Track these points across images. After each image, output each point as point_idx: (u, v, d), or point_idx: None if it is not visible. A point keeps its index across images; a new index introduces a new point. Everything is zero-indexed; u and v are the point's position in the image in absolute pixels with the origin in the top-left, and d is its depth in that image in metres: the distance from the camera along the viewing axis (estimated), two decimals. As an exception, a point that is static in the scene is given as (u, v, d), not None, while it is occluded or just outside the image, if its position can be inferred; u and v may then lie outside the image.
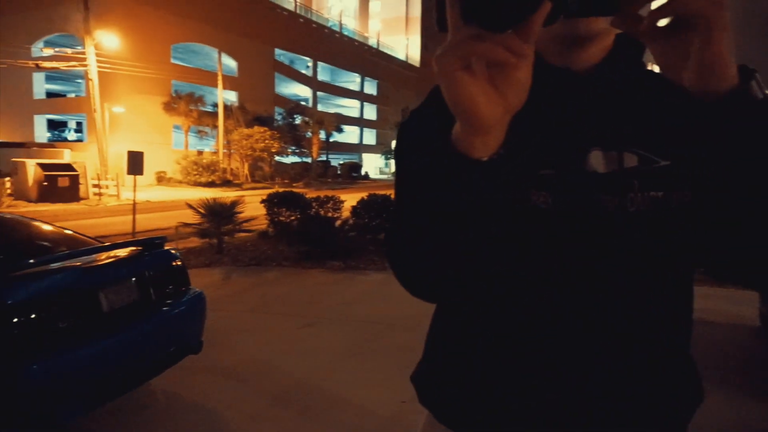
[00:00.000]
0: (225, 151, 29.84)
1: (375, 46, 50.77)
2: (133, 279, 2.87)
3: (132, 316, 2.78)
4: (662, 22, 0.52)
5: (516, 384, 0.70)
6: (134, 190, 9.71)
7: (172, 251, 3.35)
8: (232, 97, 32.16)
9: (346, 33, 47.79)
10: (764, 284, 0.66)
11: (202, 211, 7.83)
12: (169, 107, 27.83)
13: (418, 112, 0.75)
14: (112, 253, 3.02)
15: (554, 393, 0.68)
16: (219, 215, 7.83)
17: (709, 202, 0.60)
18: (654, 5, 0.50)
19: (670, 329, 0.71)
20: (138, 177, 9.03)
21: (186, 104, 28.10)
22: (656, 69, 0.60)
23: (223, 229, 7.87)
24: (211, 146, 31.19)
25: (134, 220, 9.32)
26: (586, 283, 0.67)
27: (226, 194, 14.07)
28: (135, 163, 8.63)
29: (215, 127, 29.45)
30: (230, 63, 33.09)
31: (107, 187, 19.83)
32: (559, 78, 0.68)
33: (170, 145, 29.00)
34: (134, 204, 9.72)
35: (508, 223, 0.59)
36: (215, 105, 29.54)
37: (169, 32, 28.79)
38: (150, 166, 15.19)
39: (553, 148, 0.68)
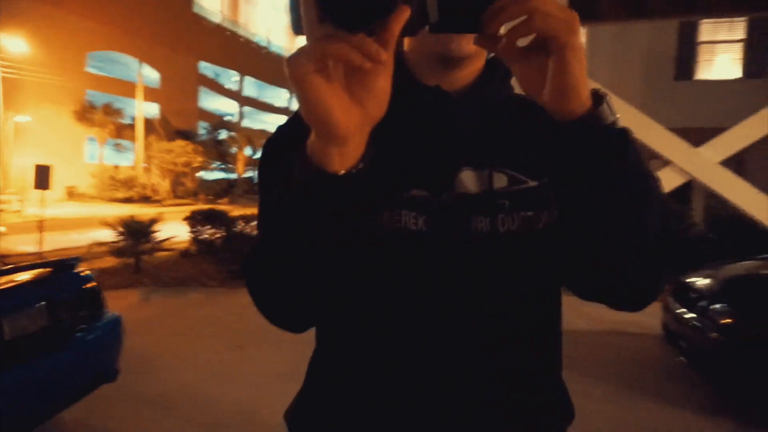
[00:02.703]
0: (145, 165, 28.44)
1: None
2: (42, 303, 2.65)
3: (40, 345, 2.56)
4: (521, 42, 0.53)
5: (387, 413, 0.67)
6: (41, 206, 9.01)
7: (85, 273, 3.13)
8: (153, 109, 30.81)
9: (274, 49, 47.40)
10: (620, 303, 0.67)
11: (118, 228, 7.40)
12: (83, 118, 26.17)
13: (285, 126, 0.72)
14: (18, 276, 2.79)
15: (424, 420, 0.66)
16: (137, 233, 7.43)
17: (570, 221, 0.60)
18: (513, 25, 0.51)
19: (539, 348, 0.71)
20: (47, 192, 8.41)
21: (103, 115, 26.58)
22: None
23: (142, 248, 7.47)
24: (129, 160, 29.63)
25: (41, 238, 8.64)
26: (457, 305, 0.65)
27: (145, 211, 13.39)
28: (42, 177, 8.06)
29: (134, 140, 28.05)
30: (152, 74, 31.78)
31: (10, 202, 18.28)
32: (430, 97, 0.68)
33: (83, 158, 27.26)
34: (41, 221, 9.01)
35: (376, 244, 0.57)
36: (135, 117, 28.17)
37: (85, 39, 27.22)
38: (60, 179, 14.20)
39: (423, 167, 0.66)
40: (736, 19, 10.06)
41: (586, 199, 0.57)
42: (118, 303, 5.36)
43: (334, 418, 0.71)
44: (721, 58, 10.96)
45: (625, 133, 0.56)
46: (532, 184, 0.67)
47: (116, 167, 28.06)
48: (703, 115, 8.92)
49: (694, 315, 3.40)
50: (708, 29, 10.66)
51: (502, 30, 0.52)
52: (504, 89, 0.73)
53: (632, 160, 0.56)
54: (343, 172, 0.52)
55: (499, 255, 0.66)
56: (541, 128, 0.61)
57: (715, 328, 3.19)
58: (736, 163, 11.24)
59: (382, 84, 0.49)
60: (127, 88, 29.32)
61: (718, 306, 3.28)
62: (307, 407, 0.75)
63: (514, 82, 0.71)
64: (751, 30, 10.33)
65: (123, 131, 27.78)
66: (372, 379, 0.68)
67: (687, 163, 5.76)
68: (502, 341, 0.67)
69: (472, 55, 0.67)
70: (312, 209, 0.53)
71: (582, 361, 3.79)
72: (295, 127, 0.65)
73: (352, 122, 0.49)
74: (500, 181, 0.67)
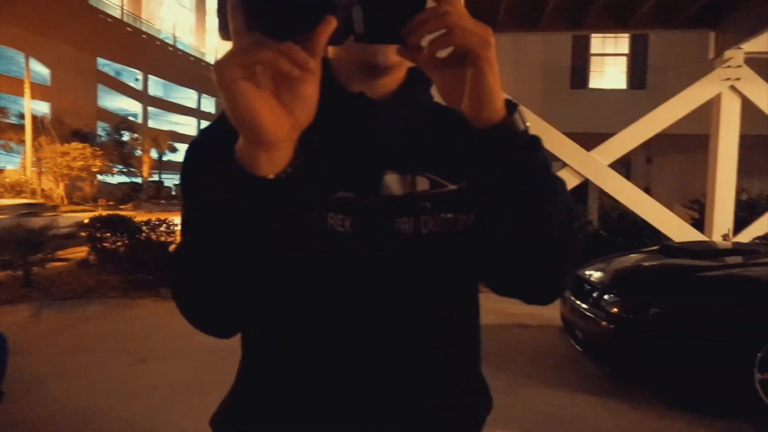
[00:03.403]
0: (35, 169, 26.10)
1: (213, 62, 48.78)
2: None
3: None
4: (441, 54, 0.56)
5: (316, 409, 0.69)
6: None
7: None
8: (44, 108, 28.35)
9: (180, 47, 45.30)
10: (532, 297, 0.71)
11: (3, 237, 6.73)
12: (-40, 117, 23.63)
13: (209, 129, 0.72)
14: None
15: (348, 416, 0.68)
16: (26, 242, 6.80)
17: (485, 222, 0.65)
18: (433, 37, 0.55)
19: (459, 344, 0.75)
20: None
21: (-18, 114, 24.10)
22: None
23: (32, 259, 6.84)
24: (16, 164, 27.04)
25: None
26: (381, 305, 0.68)
27: (36, 218, 12.29)
28: None
29: (22, 141, 25.65)
30: (44, 71, 29.23)
31: None
32: (355, 103, 0.70)
33: (-40, 161, 24.56)
34: None
35: (303, 246, 0.59)
36: (22, 116, 25.76)
37: (-41, 30, 24.56)
38: (-68, 185, 12.67)
39: (349, 170, 0.69)
40: (620, 35, 11.04)
41: (499, 201, 0.61)
42: (3, 320, 4.88)
43: (264, 420, 0.71)
44: (610, 70, 11.95)
45: (535, 139, 0.61)
46: (452, 187, 0.70)
47: (1, 171, 25.53)
48: (594, 121, 9.67)
49: (587, 306, 3.68)
50: (598, 43, 11.59)
51: (424, 42, 0.55)
52: (425, 97, 0.77)
53: (541, 164, 0.61)
54: (272, 176, 0.53)
55: (422, 255, 0.69)
56: (458, 135, 0.65)
57: (605, 317, 3.47)
58: (625, 165, 12.30)
59: (310, 91, 0.51)
60: (11, 85, 26.78)
61: (607, 296, 3.57)
62: (237, 412, 0.75)
63: (434, 90, 0.75)
64: (634, 45, 11.37)
65: (8, 132, 25.31)
66: (298, 380, 0.69)
67: (581, 166, 6.23)
68: (428, 337, 0.70)
69: (396, 65, 0.70)
70: (240, 213, 0.53)
71: (485, 353, 3.97)
72: (221, 130, 0.65)
73: (281, 128, 0.50)
74: (422, 184, 0.70)
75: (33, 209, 12.62)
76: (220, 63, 0.48)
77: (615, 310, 3.46)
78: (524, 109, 0.63)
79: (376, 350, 0.68)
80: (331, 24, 0.48)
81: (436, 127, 0.74)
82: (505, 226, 0.62)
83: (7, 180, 23.88)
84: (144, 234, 7.58)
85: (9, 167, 26.54)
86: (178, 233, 7.87)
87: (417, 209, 0.69)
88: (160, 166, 36.29)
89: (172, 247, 7.47)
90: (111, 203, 26.25)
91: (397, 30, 0.54)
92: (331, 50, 0.73)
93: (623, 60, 11.73)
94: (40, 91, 27.18)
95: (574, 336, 3.89)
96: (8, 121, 25.40)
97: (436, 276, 0.70)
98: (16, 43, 27.35)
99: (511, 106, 0.59)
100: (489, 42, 0.54)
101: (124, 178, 33.53)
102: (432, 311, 0.71)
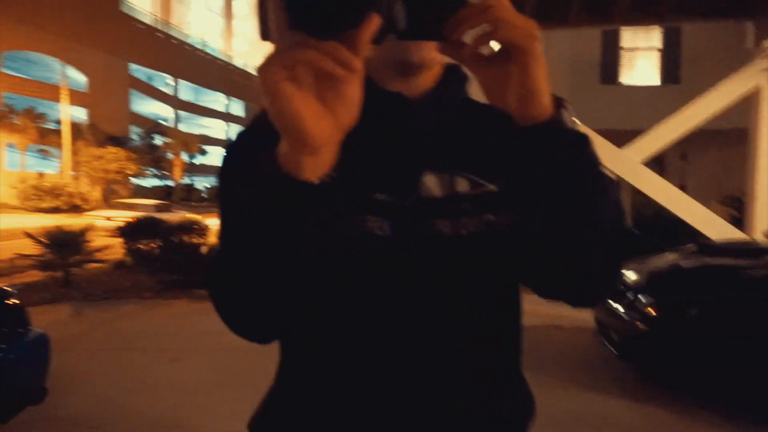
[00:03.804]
0: (72, 173, 26.94)
1: (241, 66, 49.62)
2: (-44, 323, 2.47)
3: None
4: (485, 50, 0.54)
5: (360, 417, 0.67)
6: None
7: (5, 288, 2.93)
8: (81, 114, 29.25)
9: (209, 51, 46.12)
10: (576, 300, 0.69)
11: (44, 240, 6.97)
12: (0, 123, 24.51)
13: (246, 133, 0.70)
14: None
15: (394, 423, 0.67)
16: (65, 245, 7.02)
17: (529, 223, 0.62)
18: (476, 33, 0.53)
19: (496, 347, 0.72)
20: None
21: (24, 120, 24.95)
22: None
23: (71, 260, 7.07)
24: (55, 168, 27.96)
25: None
26: (423, 307, 0.66)
27: (75, 221, 12.69)
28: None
29: (60, 146, 26.51)
30: (79, 77, 30.16)
31: None
32: (393, 103, 0.68)
33: (1, 165, 25.49)
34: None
35: (342, 250, 0.58)
36: (60, 122, 26.62)
37: (-1, 38, 25.49)
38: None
39: (387, 171, 0.67)
40: (651, 28, 10.75)
41: (543, 203, 0.59)
42: (45, 319, 5.05)
43: (296, 424, 0.70)
44: (642, 64, 11.67)
45: (583, 137, 0.58)
46: (492, 187, 0.68)
47: (41, 175, 26.43)
48: (626, 117, 9.45)
49: (621, 307, 3.60)
50: (628, 36, 11.33)
51: (466, 38, 0.53)
52: (462, 94, 0.74)
53: (590, 163, 0.58)
54: (316, 180, 0.52)
55: (462, 257, 0.67)
56: (500, 133, 0.63)
57: (640, 318, 3.39)
58: (658, 162, 12.00)
59: (353, 91, 0.49)
60: (49, 91, 27.71)
61: (642, 297, 3.48)
62: (272, 416, 0.74)
63: (469, 87, 0.74)
64: (666, 38, 11.07)
65: (47, 137, 26.20)
66: (341, 384, 0.68)
67: (613, 164, 6.10)
68: (465, 340, 0.68)
69: (432, 62, 0.68)
70: (283, 218, 0.52)
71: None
72: (258, 133, 0.64)
73: (325, 131, 0.49)
74: (462, 184, 0.68)
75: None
76: (263, 66, 0.46)
77: (651, 311, 3.37)
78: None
79: (413, 353, 0.66)
80: (375, 22, 0.47)
81: (473, 125, 0.72)
82: (550, 228, 0.60)
83: (46, 184, 24.70)
84: (177, 236, 7.74)
85: (48, 171, 27.45)
86: (210, 234, 8.05)
87: (457, 211, 0.67)
88: (192, 169, 37.01)
89: (203, 249, 7.62)
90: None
91: (440, 26, 0.52)
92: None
93: (655, 54, 11.44)
94: (77, 97, 28.04)
95: (608, 338, 3.81)
96: (47, 126, 26.27)
97: (475, 278, 0.68)
98: (51, 51, 28.30)
99: (558, 103, 0.57)
100: (535, 36, 0.52)
101: (156, 181, 34.34)
102: (470, 314, 0.69)
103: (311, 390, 0.70)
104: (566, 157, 0.57)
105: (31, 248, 7.05)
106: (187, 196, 34.56)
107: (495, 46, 0.55)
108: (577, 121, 0.59)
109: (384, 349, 0.66)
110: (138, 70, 36.48)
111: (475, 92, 0.69)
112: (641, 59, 11.72)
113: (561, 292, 0.68)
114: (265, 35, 0.49)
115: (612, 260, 0.64)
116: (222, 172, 0.69)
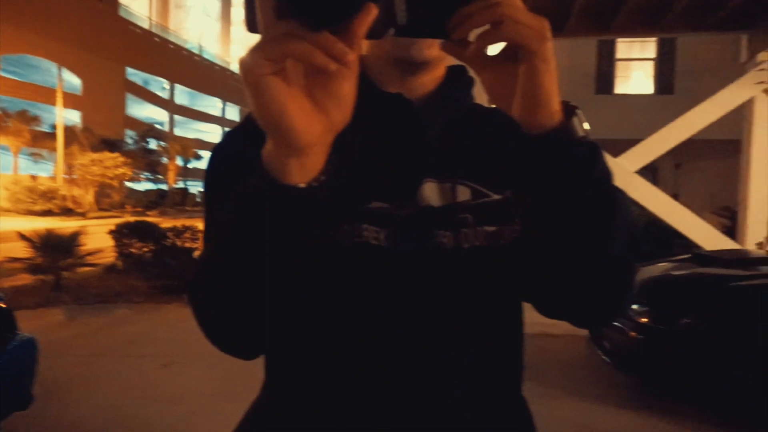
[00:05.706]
0: (66, 176, 26.79)
1: (238, 71, 49.54)
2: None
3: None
4: (490, 51, 0.51)
5: (355, 428, 0.63)
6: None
7: (-4, 291, 2.90)
8: (75, 117, 29.14)
9: (206, 56, 46.18)
10: (583, 320, 0.65)
11: (35, 242, 6.91)
12: (-7, 125, 24.39)
13: (234, 133, 0.66)
14: None
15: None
16: (56, 248, 6.97)
17: (534, 236, 0.58)
18: (482, 31, 0.49)
19: (497, 365, 0.68)
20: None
21: (17, 123, 24.84)
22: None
23: (62, 264, 7.00)
24: (48, 171, 27.81)
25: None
26: (420, 321, 0.62)
27: (66, 224, 12.60)
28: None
29: (54, 149, 26.38)
30: (74, 80, 30.08)
31: None
32: (392, 104, 0.64)
33: (-6, 168, 25.37)
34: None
35: (334, 260, 0.54)
36: (55, 125, 26.52)
37: (-5, 41, 25.42)
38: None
39: (385, 178, 0.63)
40: (646, 39, 10.85)
41: (552, 215, 0.54)
42: (35, 323, 5.00)
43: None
44: (637, 75, 11.76)
45: (594, 147, 0.53)
46: (496, 197, 0.64)
47: (34, 178, 26.28)
48: (621, 127, 9.51)
49: (615, 316, 3.59)
50: (623, 47, 11.42)
51: (471, 36, 0.49)
52: (466, 98, 0.70)
53: (601, 175, 0.54)
54: (303, 184, 0.47)
55: (463, 270, 0.63)
56: (505, 140, 0.59)
57: (633, 327, 3.39)
58: (652, 172, 12.06)
59: (346, 88, 0.45)
60: (44, 94, 27.62)
61: (636, 306, 3.48)
62: (265, 425, 0.70)
63: (476, 91, 0.69)
64: (661, 49, 11.17)
65: (41, 140, 26.08)
66: (332, 402, 0.64)
67: (607, 173, 6.11)
68: (464, 357, 0.64)
69: (434, 61, 0.64)
70: (269, 223, 0.48)
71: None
72: (247, 133, 0.60)
73: (314, 130, 0.45)
74: (463, 194, 0.64)
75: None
76: (246, 57, 0.42)
77: (644, 320, 3.37)
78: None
79: (408, 369, 0.62)
80: (372, 12, 0.42)
81: (478, 131, 0.68)
82: (558, 243, 0.55)
83: (39, 187, 24.54)
84: (170, 240, 7.70)
85: (41, 174, 27.30)
86: (202, 240, 7.95)
87: (457, 222, 0.62)
88: (186, 173, 36.93)
89: (196, 253, 7.58)
90: (138, 210, 26.79)
91: (443, 22, 0.48)
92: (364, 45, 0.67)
93: (650, 64, 11.54)
94: (72, 101, 27.95)
95: (601, 346, 3.80)
96: (41, 129, 26.15)
97: (477, 293, 0.64)
98: (49, 54, 28.23)
99: (569, 110, 0.53)
100: (546, 37, 0.48)
101: (150, 185, 34.22)
102: (470, 330, 0.64)
103: (300, 405, 0.66)
104: (576, 168, 0.52)
105: (21, 251, 6.99)
106: (181, 200, 34.43)
107: (501, 46, 0.51)
108: (589, 128, 0.54)
109: (377, 365, 0.62)
110: (134, 74, 36.43)
111: (480, 95, 0.65)
112: (636, 70, 11.81)
113: (566, 312, 0.64)
114: (252, 27, 0.43)
115: (625, 280, 0.58)
116: (208, 174, 0.66)
